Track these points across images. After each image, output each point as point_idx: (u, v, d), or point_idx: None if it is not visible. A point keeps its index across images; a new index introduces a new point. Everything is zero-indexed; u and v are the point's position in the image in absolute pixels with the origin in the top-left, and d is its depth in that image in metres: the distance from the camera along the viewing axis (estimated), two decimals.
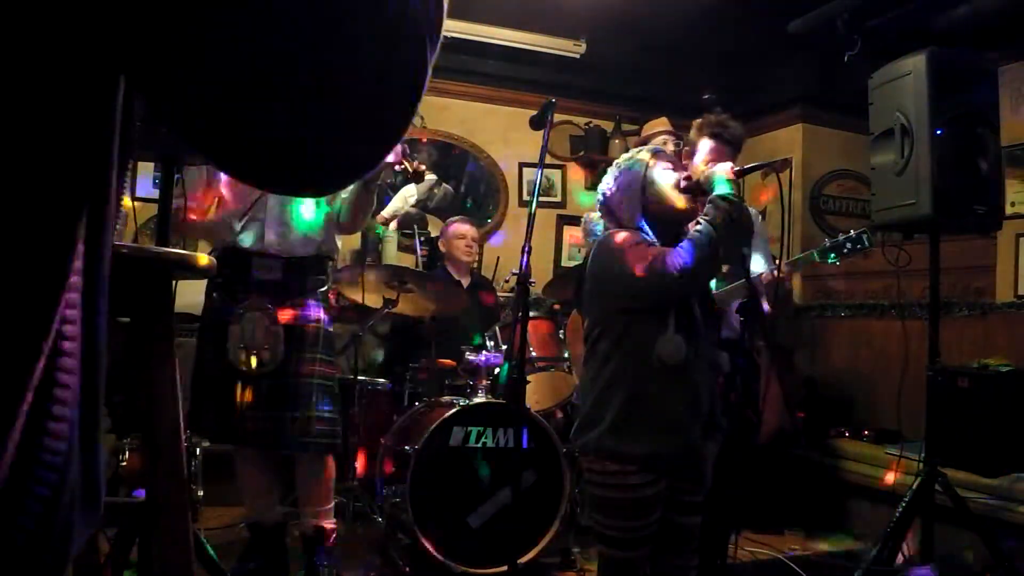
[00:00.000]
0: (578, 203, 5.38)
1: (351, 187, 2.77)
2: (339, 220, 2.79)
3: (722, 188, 1.88)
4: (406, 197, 4.45)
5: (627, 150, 5.42)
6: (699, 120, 2.70)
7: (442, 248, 4.17)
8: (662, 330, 1.83)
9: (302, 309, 2.68)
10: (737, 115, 2.77)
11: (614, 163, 2.09)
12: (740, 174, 1.95)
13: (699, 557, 2.05)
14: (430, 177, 4.93)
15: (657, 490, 1.86)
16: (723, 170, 1.93)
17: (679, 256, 1.80)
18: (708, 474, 1.95)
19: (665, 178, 1.97)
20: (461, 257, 4.07)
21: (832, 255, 2.74)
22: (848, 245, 2.72)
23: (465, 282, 4.08)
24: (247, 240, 2.65)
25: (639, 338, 1.86)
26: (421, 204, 4.82)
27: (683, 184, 1.97)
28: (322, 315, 2.73)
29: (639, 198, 1.95)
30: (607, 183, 2.05)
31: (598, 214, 2.10)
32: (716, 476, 2.01)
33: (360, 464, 3.36)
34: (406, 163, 2.65)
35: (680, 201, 1.96)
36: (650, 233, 1.95)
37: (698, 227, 1.85)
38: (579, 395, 1.99)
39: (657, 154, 2.03)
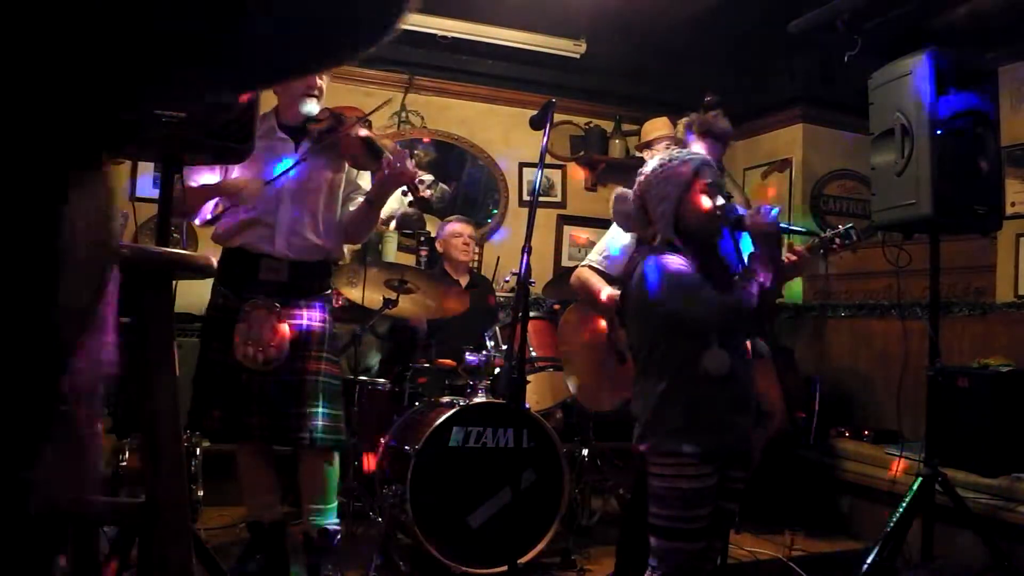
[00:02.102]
0: (578, 203, 5.39)
1: (359, 202, 2.78)
2: (346, 231, 2.83)
3: (767, 243, 1.99)
4: (400, 197, 4.44)
5: (627, 150, 5.46)
6: (687, 118, 2.75)
7: (439, 248, 4.17)
8: (706, 346, 1.96)
9: (308, 309, 2.70)
10: (737, 115, 2.79)
11: (658, 159, 2.10)
12: (783, 232, 2.05)
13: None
14: (437, 182, 4.90)
15: (711, 483, 1.98)
16: (768, 221, 1.98)
17: (729, 307, 1.94)
18: (756, 457, 2.15)
19: (702, 203, 2.02)
20: (458, 256, 4.07)
21: (822, 251, 2.70)
22: (836, 240, 2.68)
23: (463, 281, 4.07)
24: (256, 243, 2.68)
25: (685, 354, 1.99)
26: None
27: (719, 214, 2.02)
28: (326, 315, 2.75)
29: (673, 212, 2.01)
30: (648, 178, 2.07)
31: (631, 194, 2.12)
32: None
33: (361, 464, 3.36)
34: (416, 188, 2.68)
35: (713, 225, 2.04)
36: (680, 245, 2.01)
37: (746, 285, 1.95)
38: (634, 403, 2.12)
39: (700, 173, 2.03)
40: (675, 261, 1.99)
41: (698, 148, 2.64)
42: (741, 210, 2.14)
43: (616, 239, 2.77)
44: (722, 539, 2.16)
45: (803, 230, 2.40)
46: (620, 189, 2.16)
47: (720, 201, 2.02)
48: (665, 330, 2.02)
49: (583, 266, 2.91)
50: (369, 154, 2.65)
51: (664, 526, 1.99)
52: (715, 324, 1.97)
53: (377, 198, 2.74)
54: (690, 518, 1.97)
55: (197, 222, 2.78)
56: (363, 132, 2.66)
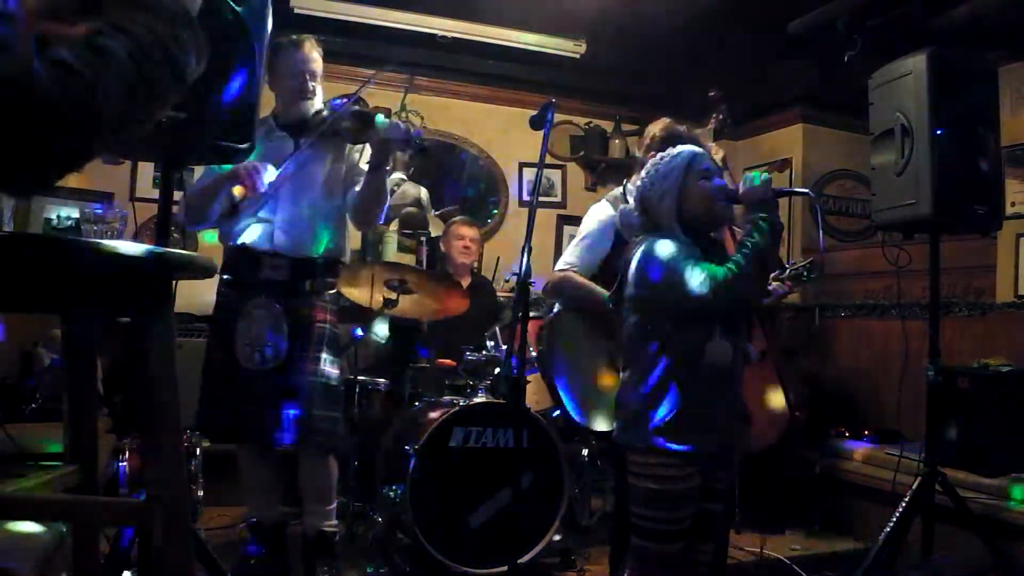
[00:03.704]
0: (578, 203, 5.39)
1: (362, 178, 2.74)
2: (352, 214, 2.78)
3: (763, 209, 1.95)
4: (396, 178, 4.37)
5: (627, 150, 5.45)
6: (659, 129, 2.66)
7: (443, 248, 4.18)
8: (710, 335, 1.93)
9: (309, 309, 2.70)
10: (737, 115, 2.78)
11: (650, 162, 2.10)
12: (777, 194, 2.01)
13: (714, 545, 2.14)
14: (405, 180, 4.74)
15: (693, 484, 1.96)
16: (763, 188, 1.97)
17: (729, 277, 1.87)
18: (735, 460, 2.12)
19: (702, 188, 2.01)
20: (459, 258, 4.08)
21: (802, 279, 2.84)
22: (804, 274, 2.82)
23: (465, 282, 4.08)
24: (257, 241, 2.67)
25: (687, 342, 1.95)
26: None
27: (720, 196, 2.02)
28: (328, 316, 2.74)
29: (676, 203, 2.00)
30: (644, 181, 2.07)
31: (632, 205, 2.12)
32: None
33: (361, 464, 3.35)
34: (409, 142, 2.62)
35: (715, 210, 2.02)
36: (682, 235, 1.99)
37: (744, 250, 1.91)
38: (621, 392, 2.06)
39: (693, 162, 2.03)
40: (672, 243, 1.96)
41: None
42: (732, 186, 2.12)
43: (580, 232, 2.77)
44: (711, 541, 2.11)
45: (799, 191, 2.52)
46: (621, 205, 2.17)
47: (718, 183, 2.03)
48: (666, 317, 1.97)
49: (568, 271, 2.71)
50: (364, 125, 2.62)
51: (644, 526, 1.97)
52: (722, 293, 1.86)
53: (378, 161, 2.63)
54: (671, 519, 1.95)
55: (205, 227, 2.77)
56: (354, 108, 2.65)
